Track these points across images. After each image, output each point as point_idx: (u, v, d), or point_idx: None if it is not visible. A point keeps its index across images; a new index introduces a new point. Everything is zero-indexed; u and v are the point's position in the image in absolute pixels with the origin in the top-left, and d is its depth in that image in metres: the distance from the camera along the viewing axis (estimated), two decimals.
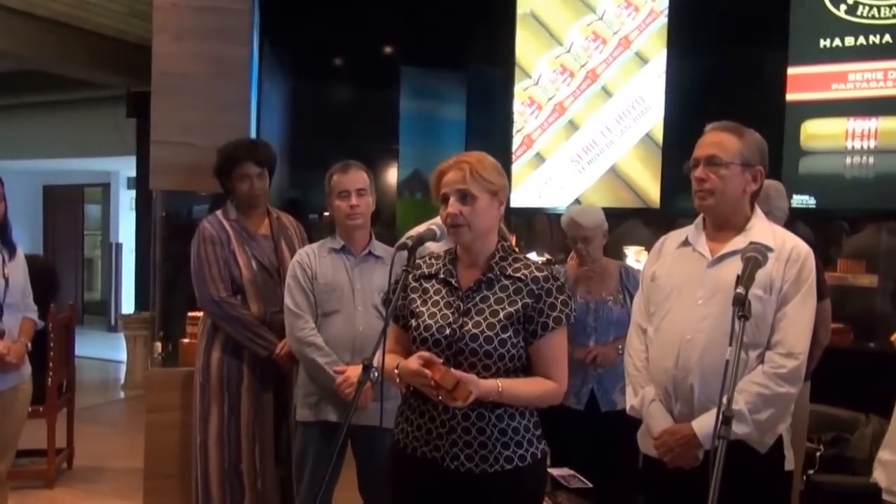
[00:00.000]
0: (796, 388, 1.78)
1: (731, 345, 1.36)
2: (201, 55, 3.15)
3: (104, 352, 7.86)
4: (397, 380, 1.74)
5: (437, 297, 1.77)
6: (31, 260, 2.95)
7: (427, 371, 1.60)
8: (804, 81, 4.13)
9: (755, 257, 1.55)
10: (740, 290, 1.44)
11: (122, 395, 6.49)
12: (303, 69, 5.74)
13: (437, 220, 1.80)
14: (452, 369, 1.62)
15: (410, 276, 1.78)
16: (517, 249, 1.82)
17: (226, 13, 3.20)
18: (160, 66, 3.15)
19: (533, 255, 4.98)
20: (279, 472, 2.78)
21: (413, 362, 1.65)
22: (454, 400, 1.59)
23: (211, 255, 2.68)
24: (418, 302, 1.78)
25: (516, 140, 5.16)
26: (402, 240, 1.69)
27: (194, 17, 3.15)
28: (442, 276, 1.78)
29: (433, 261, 1.83)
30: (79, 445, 4.40)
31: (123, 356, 6.77)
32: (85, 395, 5.82)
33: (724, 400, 1.32)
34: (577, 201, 4.82)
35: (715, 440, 1.29)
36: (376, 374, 1.90)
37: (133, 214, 8.51)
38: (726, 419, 1.29)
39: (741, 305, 1.41)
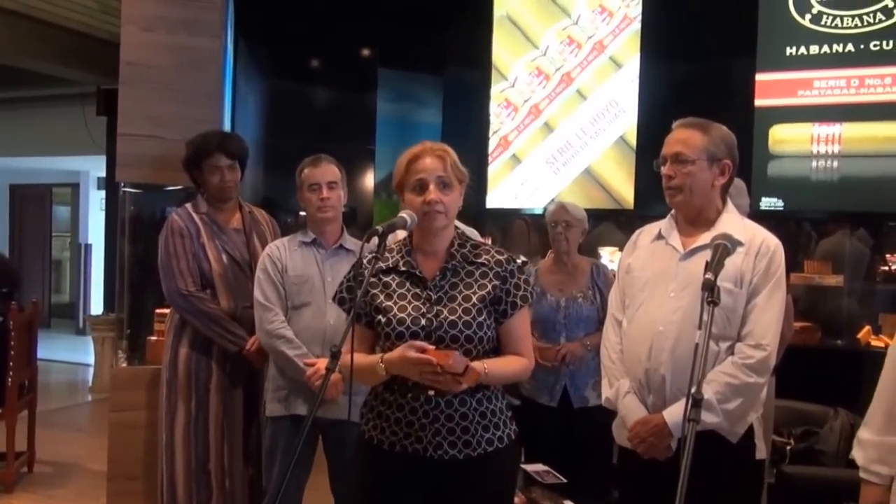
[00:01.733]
0: (764, 378, 1.82)
1: (699, 329, 1.37)
2: (171, 46, 3.10)
3: (72, 355, 7.71)
4: (384, 373, 1.69)
5: (402, 290, 1.75)
6: None
7: (432, 358, 1.58)
8: (772, 87, 4.22)
9: (724, 244, 1.57)
10: (709, 275, 1.46)
11: (89, 397, 6.36)
12: (279, 68, 5.71)
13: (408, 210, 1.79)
14: (457, 353, 1.62)
15: (367, 272, 1.74)
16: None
17: (197, 4, 3.15)
18: (128, 57, 3.09)
19: None
20: (248, 471, 2.73)
21: (408, 352, 1.61)
22: (458, 385, 1.60)
23: (179, 247, 2.63)
24: (382, 297, 1.75)
25: (492, 141, 5.18)
26: (374, 227, 1.68)
27: (164, 7, 3.10)
28: (403, 268, 1.77)
29: (388, 254, 1.80)
30: (41, 449, 4.29)
31: (91, 359, 6.64)
32: (51, 397, 5.70)
33: (694, 383, 1.33)
34: (553, 202, 4.85)
35: (685, 423, 1.30)
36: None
37: (103, 215, 8.35)
38: (696, 402, 1.30)
39: (710, 291, 1.43)
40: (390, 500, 1.76)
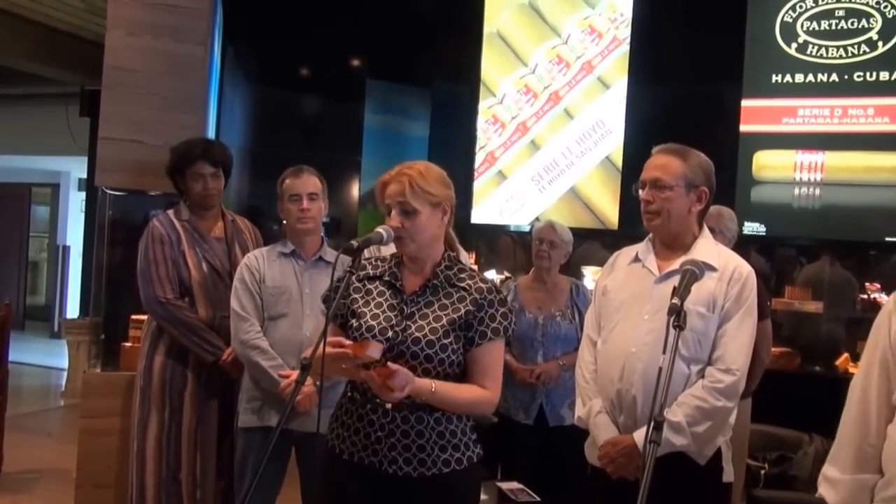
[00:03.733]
0: (733, 402, 1.84)
1: (664, 353, 1.39)
2: (155, 52, 3.10)
3: (46, 358, 7.58)
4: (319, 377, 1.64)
5: (380, 299, 1.77)
6: None
7: (348, 350, 1.56)
8: (757, 114, 4.27)
9: (692, 270, 1.60)
10: (675, 300, 1.48)
11: (61, 402, 6.26)
12: (267, 76, 5.70)
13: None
14: (390, 363, 1.59)
15: (354, 277, 1.76)
16: (468, 261, 1.81)
17: (183, 11, 3.15)
18: (112, 61, 3.09)
19: (492, 273, 5.00)
20: (221, 482, 2.69)
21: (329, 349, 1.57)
22: (390, 391, 1.57)
23: (159, 254, 2.61)
24: (360, 302, 1.77)
25: (479, 157, 5.19)
26: (349, 242, 1.67)
27: (150, 12, 3.11)
28: (387, 278, 1.79)
29: (379, 262, 1.82)
30: (10, 453, 4.20)
31: (65, 363, 6.53)
32: (23, 402, 5.60)
33: (657, 406, 1.36)
34: (537, 220, 4.86)
35: (646, 445, 1.32)
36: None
37: (83, 217, 8.26)
38: (657, 425, 1.31)
39: (676, 315, 1.45)
40: None
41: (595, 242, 4.83)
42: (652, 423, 1.31)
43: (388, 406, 1.68)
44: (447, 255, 1.79)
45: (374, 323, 1.72)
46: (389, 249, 2.76)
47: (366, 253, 1.77)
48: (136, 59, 3.08)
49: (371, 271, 1.81)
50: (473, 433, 1.78)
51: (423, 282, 1.76)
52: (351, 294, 1.78)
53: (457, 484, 1.73)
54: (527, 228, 4.92)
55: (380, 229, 1.71)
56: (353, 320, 1.76)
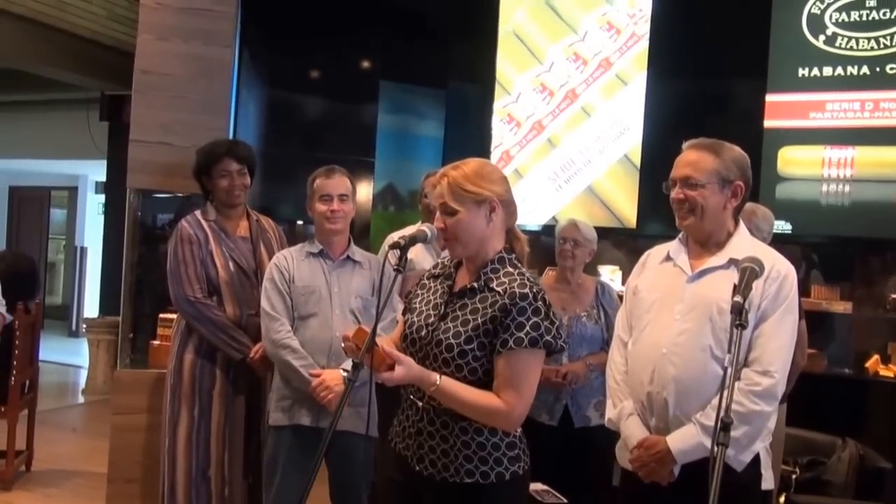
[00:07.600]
0: (772, 406, 1.76)
1: (728, 352, 1.35)
2: (184, 56, 3.14)
3: (64, 356, 7.67)
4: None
5: (431, 297, 1.77)
6: (12, 256, 2.88)
7: (348, 334, 1.60)
8: (782, 109, 4.18)
9: (752, 267, 1.54)
10: (738, 298, 1.42)
11: (81, 399, 6.33)
12: (281, 79, 5.72)
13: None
14: (385, 348, 1.57)
15: (426, 275, 1.80)
16: (519, 259, 1.73)
17: (211, 15, 3.19)
18: (142, 65, 3.13)
19: None
20: (248, 479, 2.73)
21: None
22: (389, 371, 1.56)
23: (188, 254, 2.64)
24: (418, 299, 1.79)
25: (494, 156, 5.17)
26: (396, 239, 1.70)
27: (179, 17, 3.15)
28: (446, 279, 1.77)
29: (448, 262, 1.81)
30: (38, 448, 4.28)
31: (83, 361, 6.63)
32: (44, 398, 5.64)
33: (724, 406, 1.32)
34: (554, 219, 4.86)
35: (713, 447, 1.28)
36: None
37: (100, 219, 8.34)
38: (725, 426, 1.27)
39: (738, 314, 1.39)
40: (386, 491, 1.81)
41: (613, 241, 4.81)
42: (720, 425, 1.27)
43: (420, 404, 1.69)
44: (499, 255, 1.70)
45: (416, 320, 1.74)
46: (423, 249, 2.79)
47: (391, 259, 1.76)
48: (166, 63, 3.12)
49: (438, 270, 1.81)
50: (512, 450, 1.69)
51: (466, 283, 1.71)
52: (416, 290, 1.81)
53: (479, 497, 1.65)
54: (537, 228, 4.85)
55: (424, 227, 1.73)
56: (408, 315, 1.79)
